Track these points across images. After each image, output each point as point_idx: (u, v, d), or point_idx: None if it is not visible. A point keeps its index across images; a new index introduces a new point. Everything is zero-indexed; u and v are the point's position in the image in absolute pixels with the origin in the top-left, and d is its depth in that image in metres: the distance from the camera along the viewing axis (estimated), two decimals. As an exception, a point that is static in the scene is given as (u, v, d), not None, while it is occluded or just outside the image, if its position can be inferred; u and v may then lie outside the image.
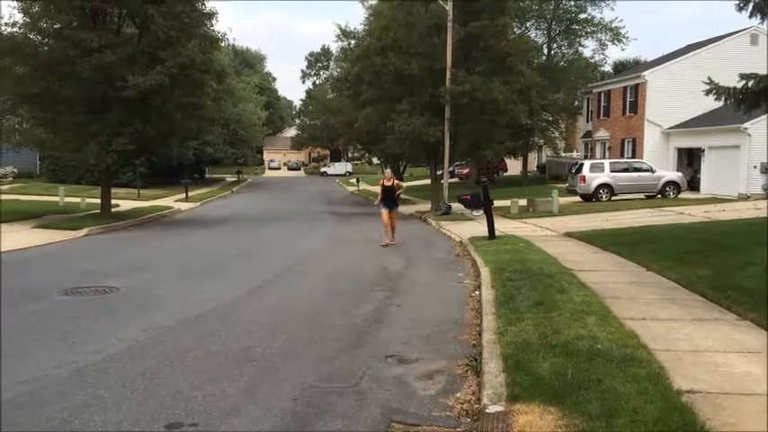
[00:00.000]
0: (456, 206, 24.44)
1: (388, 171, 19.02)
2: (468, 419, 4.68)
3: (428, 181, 34.50)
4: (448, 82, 25.05)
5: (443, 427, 4.54)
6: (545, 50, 44.49)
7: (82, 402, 4.90)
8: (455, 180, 43.69)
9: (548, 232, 17.25)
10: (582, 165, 28.81)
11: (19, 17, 20.98)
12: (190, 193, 36.73)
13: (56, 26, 20.95)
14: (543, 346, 5.88)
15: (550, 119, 43.76)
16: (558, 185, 30.68)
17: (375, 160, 53.98)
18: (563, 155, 47.21)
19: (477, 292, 9.37)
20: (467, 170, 47.16)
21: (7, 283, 10.47)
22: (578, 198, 27.56)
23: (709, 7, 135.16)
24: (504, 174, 50.50)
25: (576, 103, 45.85)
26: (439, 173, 28.80)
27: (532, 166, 51.18)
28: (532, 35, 43.48)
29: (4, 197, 29.70)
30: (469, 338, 6.92)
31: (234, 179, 61.30)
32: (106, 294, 9.32)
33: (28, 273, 11.85)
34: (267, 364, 5.94)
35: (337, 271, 11.91)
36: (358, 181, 54.41)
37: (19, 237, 16.80)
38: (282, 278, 11.18)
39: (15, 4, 21.09)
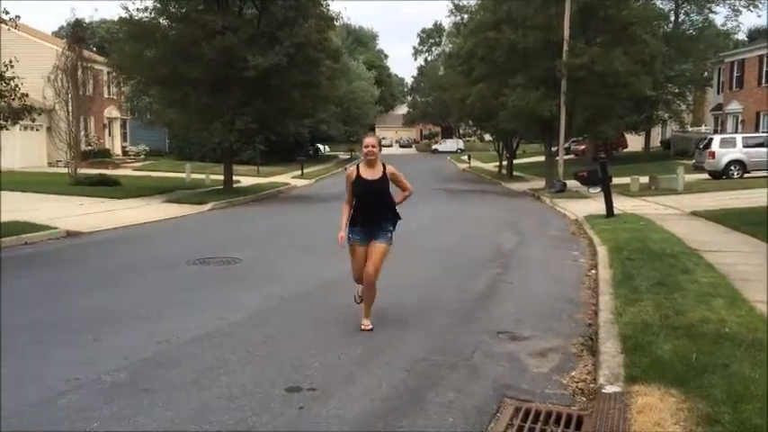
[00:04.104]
0: (571, 183, 23.74)
1: (370, 139, 6.30)
2: (584, 399, 4.59)
3: (542, 158, 33.67)
4: (565, 54, 24.17)
5: (557, 405, 4.48)
6: (671, 18, 41.82)
7: (210, 364, 5.24)
8: (570, 157, 42.26)
9: (671, 211, 16.37)
10: (711, 140, 27.01)
11: (150, 2, 22.41)
12: (305, 170, 37.93)
13: (183, 10, 22.14)
14: (664, 327, 5.63)
15: (677, 91, 41.21)
16: (684, 162, 28.96)
17: (487, 137, 53.16)
18: (690, 129, 44.41)
19: (593, 272, 9.09)
20: (583, 146, 45.49)
21: (144, 253, 11.35)
22: (706, 175, 25.88)
23: None
24: (624, 150, 48.25)
25: (706, 74, 42.86)
26: (553, 149, 27.98)
27: (656, 141, 48.56)
28: (658, 2, 40.98)
29: (138, 173, 31.93)
30: (585, 318, 6.75)
31: (347, 156, 62.53)
32: (230, 265, 9.84)
33: (161, 243, 12.74)
34: (380, 336, 6.08)
35: (449, 247, 11.93)
36: (470, 158, 53.93)
37: (152, 210, 18.06)
38: (394, 253, 11.30)
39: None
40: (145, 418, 4.18)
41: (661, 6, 40.62)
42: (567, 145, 32.12)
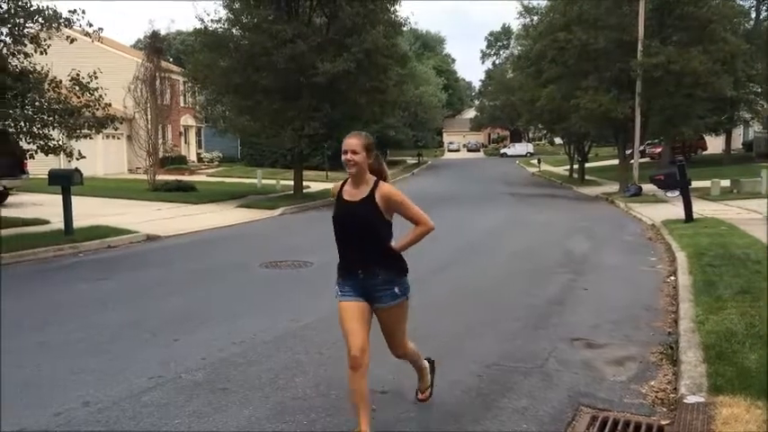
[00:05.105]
0: (647, 187, 22.99)
1: (350, 139, 3.85)
2: (664, 409, 4.44)
3: (615, 161, 32.82)
4: (639, 54, 23.50)
5: (636, 415, 4.34)
6: (752, 15, 39.97)
7: (284, 364, 5.34)
8: (646, 160, 41.00)
9: (755, 215, 15.64)
10: (797, 141, 25.66)
11: (223, 13, 23.15)
12: (373, 176, 38.12)
13: (254, 21, 22.72)
14: (750, 336, 5.39)
15: (759, 90, 39.33)
16: (768, 164, 27.62)
17: (558, 140, 52.16)
18: (774, 130, 42.30)
19: (672, 278, 8.79)
20: (659, 149, 44.06)
21: (219, 255, 11.69)
22: (792, 178, 24.58)
23: None
24: (703, 152, 46.44)
25: (791, 71, 40.69)
26: (628, 152, 27.21)
27: (737, 143, 46.51)
28: (738, -2, 39.23)
29: (213, 179, 32.89)
30: (664, 326, 6.53)
31: (414, 161, 62.57)
32: (301, 268, 10.02)
33: (235, 247, 13.08)
34: (450, 341, 6.05)
35: (518, 251, 11.76)
36: (539, 162, 53.07)
37: (226, 215, 18.57)
38: (462, 257, 11.26)
39: (221, 0, 23.34)
40: (223, 416, 4.30)
41: (741, 3, 38.90)
42: (641, 148, 31.19)
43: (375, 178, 3.90)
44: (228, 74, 22.30)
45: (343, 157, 3.83)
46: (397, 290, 3.92)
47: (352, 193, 3.91)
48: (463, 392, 4.75)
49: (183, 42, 53.15)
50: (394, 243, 3.99)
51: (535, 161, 55.05)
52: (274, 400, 4.59)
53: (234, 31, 23.52)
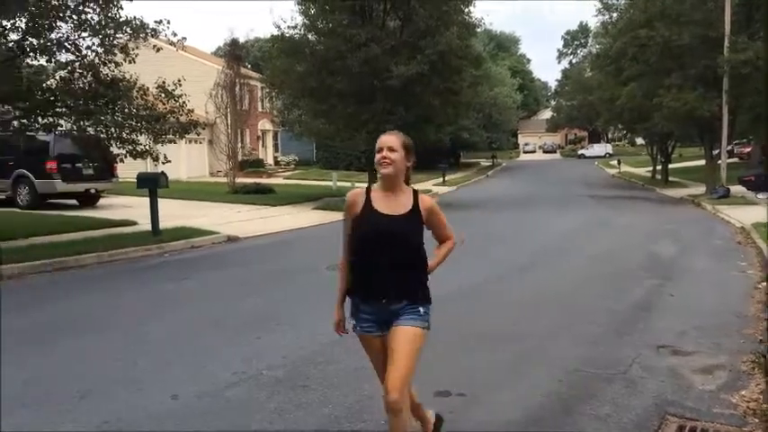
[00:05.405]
0: (736, 189, 22.00)
1: (386, 137, 3.33)
2: (756, 420, 4.23)
3: (701, 161, 31.51)
4: (726, 51, 22.47)
5: (726, 425, 4.16)
6: None
7: (361, 364, 5.32)
8: (734, 160, 39.14)
9: None
10: None
11: (299, 19, 23.64)
12: (446, 178, 38.05)
13: (329, 26, 23.09)
14: None
15: None
16: None
17: (639, 140, 50.45)
18: None
19: (763, 284, 8.37)
20: (748, 149, 42.02)
21: (298, 256, 11.93)
22: None
23: None
24: (796, 152, 43.93)
25: None
26: (715, 152, 26.06)
27: (834, 141, 43.77)
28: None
29: (289, 182, 33.56)
30: (755, 333, 6.22)
31: (488, 163, 61.94)
32: (376, 270, 10.07)
33: (311, 248, 13.33)
34: (530, 345, 5.97)
35: (599, 254, 11.47)
36: (619, 163, 51.51)
37: (302, 217, 18.92)
38: (542, 260, 11.07)
39: (297, 7, 23.85)
40: (303, 413, 4.39)
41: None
42: (729, 147, 29.84)
43: (412, 187, 3.42)
44: (304, 78, 22.72)
45: (377, 156, 3.27)
46: (422, 310, 3.39)
47: (388, 203, 3.31)
48: (543, 397, 4.67)
49: (260, 49, 54.49)
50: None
51: (614, 162, 53.46)
52: (352, 398, 4.65)
53: (309, 36, 23.96)
